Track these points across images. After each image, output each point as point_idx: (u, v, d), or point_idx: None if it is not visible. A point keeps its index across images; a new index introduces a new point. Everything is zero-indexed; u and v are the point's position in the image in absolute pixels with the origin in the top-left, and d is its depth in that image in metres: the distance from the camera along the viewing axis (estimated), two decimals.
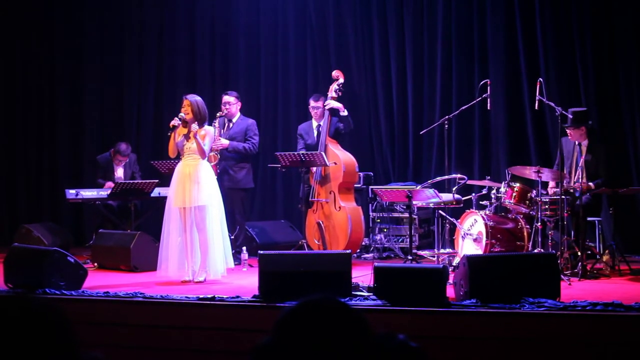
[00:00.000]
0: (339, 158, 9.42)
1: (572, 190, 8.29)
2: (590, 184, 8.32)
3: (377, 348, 2.14)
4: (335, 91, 9.65)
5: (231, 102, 9.75)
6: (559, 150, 8.28)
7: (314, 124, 9.90)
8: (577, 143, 8.54)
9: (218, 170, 9.38)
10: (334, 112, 9.70)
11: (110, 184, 10.37)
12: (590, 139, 8.57)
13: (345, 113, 9.66)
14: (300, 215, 9.68)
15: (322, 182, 9.56)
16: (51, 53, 12.40)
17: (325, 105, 9.64)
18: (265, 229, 10.27)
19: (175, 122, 8.04)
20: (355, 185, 9.90)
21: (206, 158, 8.11)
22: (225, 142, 9.47)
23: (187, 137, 8.03)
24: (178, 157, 8.19)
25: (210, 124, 8.43)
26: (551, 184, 8.48)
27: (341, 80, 9.67)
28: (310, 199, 9.60)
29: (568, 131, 8.41)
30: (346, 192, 9.52)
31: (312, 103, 9.90)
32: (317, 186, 9.59)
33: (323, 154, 9.19)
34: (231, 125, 9.76)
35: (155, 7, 12.25)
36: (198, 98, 8.14)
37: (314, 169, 9.55)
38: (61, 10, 12.39)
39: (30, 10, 12.32)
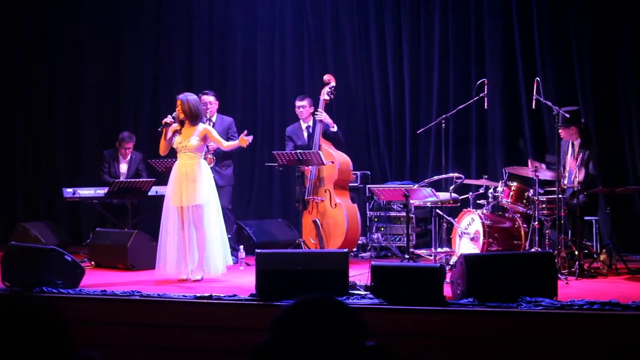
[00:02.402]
0: (334, 157, 9.42)
1: (566, 188, 8.29)
2: (576, 185, 8.31)
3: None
4: (328, 94, 9.63)
5: (211, 101, 9.67)
6: (556, 151, 8.29)
7: (303, 125, 9.90)
8: (571, 143, 8.55)
9: None
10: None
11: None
12: (583, 139, 8.58)
13: (335, 129, 9.67)
14: (298, 214, 9.67)
15: (317, 182, 9.56)
16: (50, 53, 12.37)
17: (316, 117, 9.61)
18: (262, 228, 10.27)
19: (167, 119, 8.06)
20: (353, 184, 9.91)
21: (203, 154, 8.15)
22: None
23: (179, 133, 8.05)
24: (174, 156, 8.19)
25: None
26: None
27: (332, 83, 9.65)
28: (305, 198, 9.60)
29: (560, 131, 8.42)
30: (342, 190, 9.53)
31: (297, 103, 9.91)
32: (312, 186, 9.59)
33: (320, 152, 9.18)
34: (212, 124, 9.72)
35: (153, 6, 12.23)
36: (191, 97, 8.11)
37: (309, 169, 9.55)
38: (60, 10, 12.36)
39: (29, 10, 12.30)
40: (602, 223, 9.30)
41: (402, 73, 11.09)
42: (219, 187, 9.41)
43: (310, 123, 9.75)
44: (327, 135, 9.68)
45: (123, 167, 10.75)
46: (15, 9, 12.25)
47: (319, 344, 2.06)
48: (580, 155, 8.44)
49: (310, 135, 9.73)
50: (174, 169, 8.09)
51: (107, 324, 6.49)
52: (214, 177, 9.33)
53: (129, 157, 10.76)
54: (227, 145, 8.28)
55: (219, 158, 9.55)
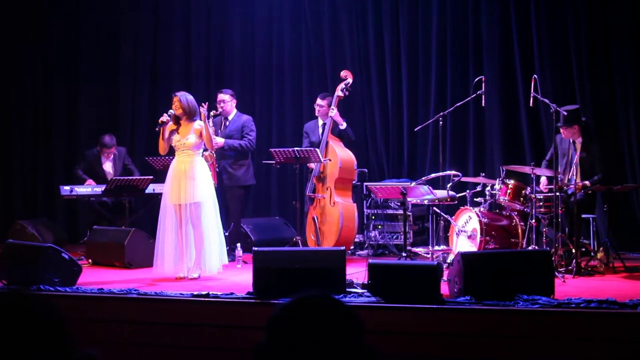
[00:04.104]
0: (337, 155, 9.41)
1: (565, 188, 8.30)
2: (586, 182, 8.32)
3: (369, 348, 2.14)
4: (342, 90, 9.62)
5: (226, 99, 9.72)
6: (552, 147, 8.29)
7: (320, 121, 9.91)
8: (571, 141, 8.55)
9: (217, 170, 9.35)
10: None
11: (91, 181, 10.35)
12: (584, 137, 8.58)
13: (343, 126, 9.66)
14: (295, 212, 9.67)
15: (320, 178, 9.57)
16: (47, 51, 12.36)
17: (329, 114, 9.61)
18: (259, 226, 10.27)
19: (164, 117, 8.06)
20: None
21: (200, 151, 8.13)
22: (220, 140, 9.40)
23: (177, 131, 8.04)
24: (172, 153, 8.19)
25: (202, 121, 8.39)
26: (543, 180, 8.51)
27: (349, 80, 9.64)
28: (307, 194, 9.63)
29: (561, 130, 8.42)
30: (343, 189, 9.51)
31: (318, 100, 9.90)
32: (316, 182, 9.61)
33: (317, 150, 9.19)
34: (227, 123, 9.74)
35: (151, 4, 12.23)
36: (189, 96, 8.14)
37: (313, 165, 9.56)
38: (58, 9, 12.36)
39: (27, 9, 12.28)
40: (599, 221, 9.31)
41: (400, 70, 11.09)
42: (227, 188, 9.44)
43: (327, 120, 9.75)
44: (340, 132, 9.69)
45: (107, 166, 10.70)
46: (14, 9, 12.23)
47: (316, 342, 2.06)
48: (583, 154, 8.44)
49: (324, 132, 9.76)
50: (171, 167, 8.09)
51: (105, 321, 6.49)
52: (222, 177, 9.38)
53: (112, 157, 10.72)
54: (212, 144, 8.28)
55: (233, 157, 9.56)
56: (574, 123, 8.41)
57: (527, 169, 8.22)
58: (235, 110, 9.83)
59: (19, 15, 12.26)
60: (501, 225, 8.52)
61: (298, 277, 6.36)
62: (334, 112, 9.59)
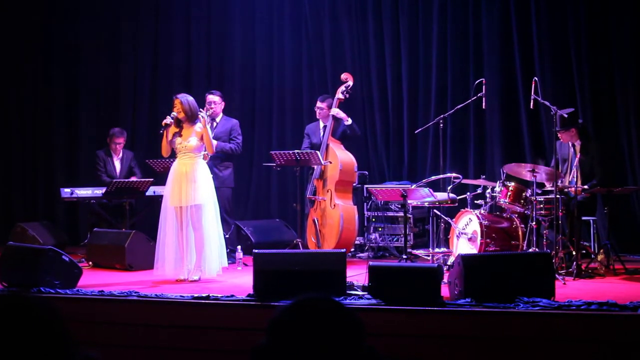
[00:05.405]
0: (337, 157, 9.40)
1: (566, 191, 8.30)
2: (585, 186, 8.32)
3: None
4: (343, 93, 9.62)
5: (216, 101, 9.71)
6: (554, 153, 8.28)
7: (321, 124, 9.90)
8: (571, 144, 8.55)
9: None
10: (337, 118, 9.69)
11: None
12: (583, 139, 8.57)
13: (349, 122, 9.66)
14: (295, 214, 9.67)
15: (320, 181, 9.57)
16: (48, 52, 12.37)
17: (330, 113, 9.62)
18: (260, 228, 10.27)
19: (167, 120, 8.06)
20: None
21: (202, 154, 8.13)
22: (213, 142, 9.41)
23: (179, 134, 8.05)
24: (173, 156, 8.19)
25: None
26: (547, 185, 8.51)
27: (350, 82, 9.63)
28: (308, 196, 9.64)
29: (559, 134, 8.41)
30: (343, 191, 9.51)
31: (318, 103, 9.90)
32: (316, 184, 9.61)
33: (318, 153, 9.19)
34: (215, 124, 9.72)
35: (151, 5, 12.23)
36: (189, 97, 8.15)
37: (314, 167, 9.56)
38: (58, 10, 12.36)
39: (27, 9, 12.29)
40: (599, 223, 9.30)
41: (400, 73, 11.09)
42: (215, 189, 9.44)
43: (328, 123, 9.75)
44: (343, 133, 9.67)
45: (117, 164, 10.73)
46: (14, 9, 12.24)
47: (317, 344, 2.06)
48: (583, 157, 8.43)
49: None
50: (172, 169, 8.09)
51: (105, 324, 6.49)
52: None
53: (120, 155, 10.74)
54: (213, 147, 8.31)
55: (220, 158, 9.56)
56: (570, 126, 8.41)
57: (527, 168, 8.20)
58: (221, 114, 9.82)
59: (19, 16, 12.27)
60: (501, 227, 8.51)
61: (298, 280, 6.35)
62: (336, 111, 9.59)
